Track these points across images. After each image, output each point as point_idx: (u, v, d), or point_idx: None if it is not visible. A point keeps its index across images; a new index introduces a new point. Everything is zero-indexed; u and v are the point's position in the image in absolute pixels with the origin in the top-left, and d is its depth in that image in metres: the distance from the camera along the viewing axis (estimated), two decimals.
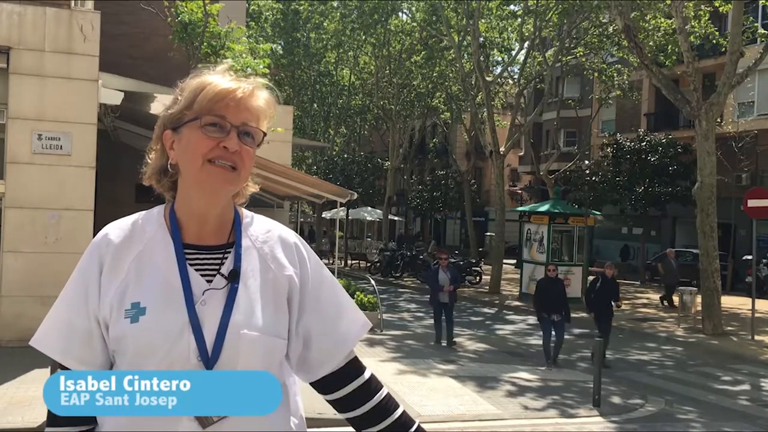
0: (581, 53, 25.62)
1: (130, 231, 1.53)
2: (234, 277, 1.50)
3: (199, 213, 1.52)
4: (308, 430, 1.67)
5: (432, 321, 16.83)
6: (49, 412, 1.53)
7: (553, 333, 11.31)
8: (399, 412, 1.60)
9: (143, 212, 1.58)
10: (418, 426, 1.60)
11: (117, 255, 1.50)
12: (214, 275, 1.51)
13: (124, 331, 1.45)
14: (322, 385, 1.61)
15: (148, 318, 1.44)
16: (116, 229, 1.54)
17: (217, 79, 1.49)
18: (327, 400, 1.64)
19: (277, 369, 1.55)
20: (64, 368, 1.52)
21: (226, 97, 1.45)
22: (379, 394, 1.60)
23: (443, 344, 12.68)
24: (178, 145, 1.49)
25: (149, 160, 1.56)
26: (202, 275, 1.50)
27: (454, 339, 12.83)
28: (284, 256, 1.58)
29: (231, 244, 1.55)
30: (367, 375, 1.62)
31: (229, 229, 1.56)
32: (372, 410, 1.58)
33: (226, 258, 1.53)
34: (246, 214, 1.62)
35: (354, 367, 1.62)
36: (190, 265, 1.50)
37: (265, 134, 1.52)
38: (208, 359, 1.44)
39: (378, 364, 10.60)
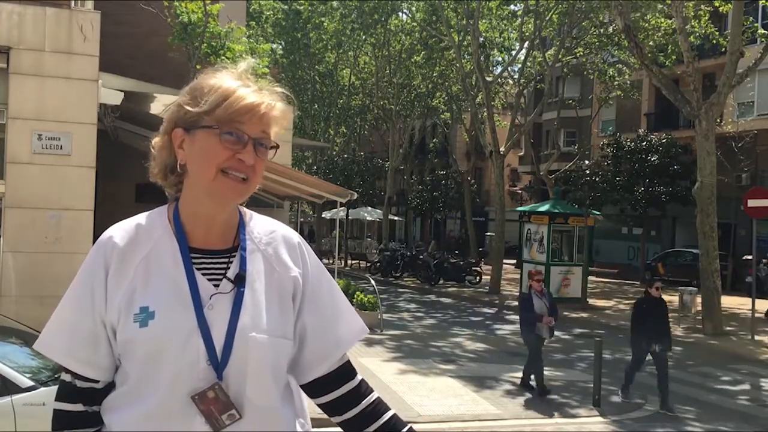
0: (581, 53, 25.61)
1: (134, 234, 1.53)
2: (240, 281, 1.51)
3: (206, 218, 1.52)
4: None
5: (434, 321, 16.90)
6: (55, 413, 1.53)
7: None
8: (388, 416, 1.59)
9: (146, 214, 1.57)
10: (410, 428, 1.59)
11: (123, 258, 1.50)
12: (221, 279, 1.51)
13: (134, 336, 1.45)
14: (311, 388, 1.61)
15: (158, 322, 1.44)
16: (121, 231, 1.53)
17: (239, 89, 1.47)
18: (316, 404, 1.63)
19: (283, 370, 1.56)
20: (69, 371, 1.52)
21: (249, 112, 1.45)
22: (367, 399, 1.60)
23: (531, 384, 9.69)
24: (190, 147, 1.47)
25: (153, 150, 1.55)
26: (208, 279, 1.51)
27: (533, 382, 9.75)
28: (288, 257, 1.59)
29: (236, 247, 1.55)
30: (356, 381, 1.62)
31: (234, 232, 1.57)
32: (359, 414, 1.59)
33: (232, 262, 1.53)
34: (248, 214, 1.62)
35: (345, 371, 1.62)
36: (197, 269, 1.50)
37: (277, 145, 1.52)
38: (218, 363, 1.45)
39: (378, 364, 10.60)
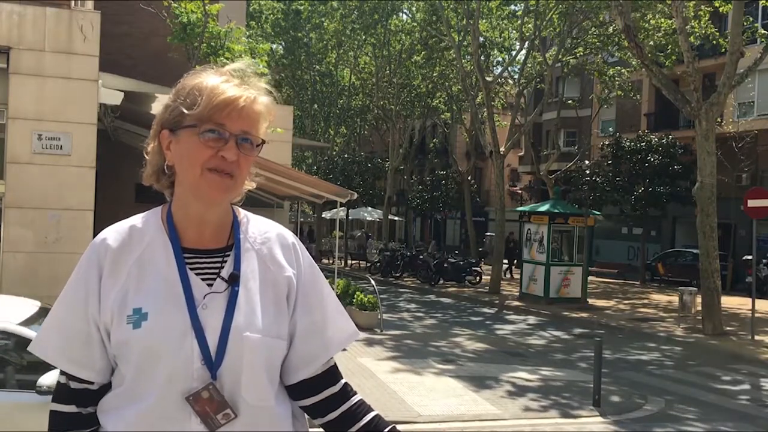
0: (581, 53, 25.61)
1: (128, 235, 1.53)
2: (234, 280, 1.51)
3: (197, 218, 1.52)
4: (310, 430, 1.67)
5: (434, 321, 16.86)
6: (51, 413, 1.53)
7: None
8: (369, 417, 1.58)
9: (140, 215, 1.57)
10: (392, 428, 1.58)
11: (116, 260, 1.50)
12: (215, 279, 1.51)
13: (127, 337, 1.45)
14: (293, 390, 1.60)
15: (151, 323, 1.44)
16: (114, 233, 1.54)
17: (220, 84, 1.46)
18: (298, 406, 1.62)
19: (278, 369, 1.56)
20: (64, 373, 1.53)
21: (228, 106, 1.44)
22: (349, 401, 1.59)
23: None
24: (176, 148, 1.48)
25: (146, 155, 1.55)
26: (202, 279, 1.50)
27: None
28: (283, 257, 1.58)
29: (230, 246, 1.55)
30: (339, 386, 1.61)
31: (228, 231, 1.56)
32: (340, 417, 1.58)
33: (226, 261, 1.53)
34: (242, 214, 1.61)
35: (330, 376, 1.61)
36: (191, 269, 1.50)
37: (264, 141, 1.51)
38: (212, 363, 1.45)
39: (378, 364, 10.60)
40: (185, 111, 1.45)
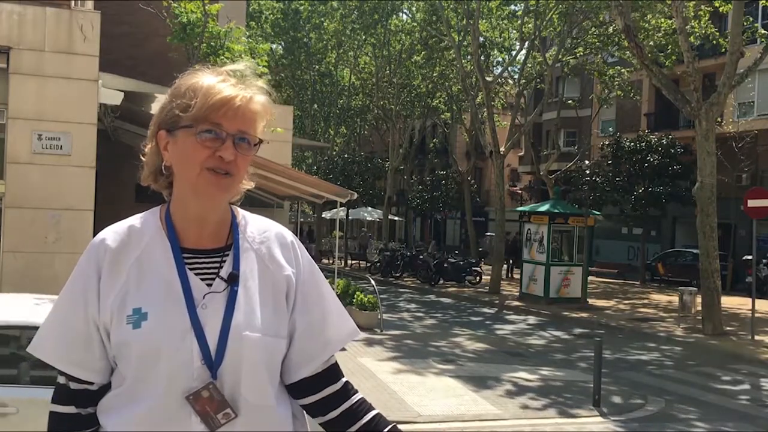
0: (581, 53, 25.61)
1: (127, 235, 1.53)
2: (233, 279, 1.51)
3: (196, 217, 1.52)
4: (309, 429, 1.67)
5: (434, 321, 16.86)
6: (51, 414, 1.53)
7: None
8: (370, 416, 1.58)
9: (138, 215, 1.57)
10: (393, 427, 1.57)
11: (115, 260, 1.50)
12: (214, 278, 1.51)
13: (127, 337, 1.45)
14: (295, 389, 1.60)
15: (151, 323, 1.44)
16: (113, 234, 1.53)
17: (216, 84, 1.46)
18: (299, 404, 1.62)
19: (278, 368, 1.56)
20: (64, 374, 1.52)
21: (224, 106, 1.44)
22: (350, 400, 1.59)
23: None
24: (173, 148, 1.47)
25: (143, 158, 1.55)
26: (201, 279, 1.50)
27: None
28: (281, 256, 1.58)
29: (229, 246, 1.55)
30: (341, 383, 1.61)
31: (227, 231, 1.56)
32: (341, 415, 1.58)
33: (225, 261, 1.53)
34: (241, 214, 1.61)
35: (331, 374, 1.61)
36: (190, 269, 1.50)
37: (261, 141, 1.51)
38: (212, 362, 1.45)
39: (377, 364, 10.60)
40: (181, 112, 1.45)
